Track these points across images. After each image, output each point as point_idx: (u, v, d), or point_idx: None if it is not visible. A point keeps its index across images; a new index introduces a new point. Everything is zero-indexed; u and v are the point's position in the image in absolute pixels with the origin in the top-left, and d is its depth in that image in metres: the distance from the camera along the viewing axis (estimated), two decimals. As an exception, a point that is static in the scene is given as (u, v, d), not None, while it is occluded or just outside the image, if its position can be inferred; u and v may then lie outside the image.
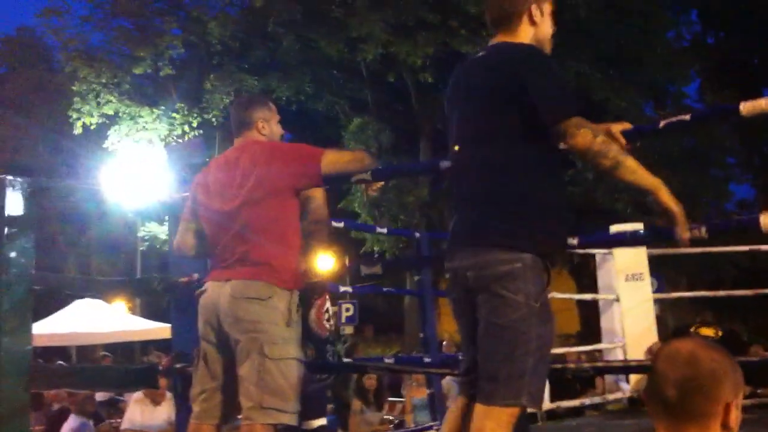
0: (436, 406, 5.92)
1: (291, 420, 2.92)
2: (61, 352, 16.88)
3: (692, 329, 6.30)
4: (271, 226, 3.03)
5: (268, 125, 3.27)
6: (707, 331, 6.20)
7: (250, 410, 2.89)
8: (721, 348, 1.74)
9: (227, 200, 3.11)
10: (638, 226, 7.45)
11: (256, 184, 3.04)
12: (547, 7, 2.68)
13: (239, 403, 3.01)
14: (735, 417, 1.69)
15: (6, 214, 3.62)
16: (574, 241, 2.90)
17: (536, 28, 2.65)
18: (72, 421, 6.34)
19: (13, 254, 3.62)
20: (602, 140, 2.38)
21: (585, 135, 2.36)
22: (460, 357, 2.77)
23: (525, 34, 2.64)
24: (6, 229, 3.63)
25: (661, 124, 2.66)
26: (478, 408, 2.46)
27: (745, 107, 2.46)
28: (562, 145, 2.46)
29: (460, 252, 2.56)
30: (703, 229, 2.50)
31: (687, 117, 2.64)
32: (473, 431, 2.45)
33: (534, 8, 2.64)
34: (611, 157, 2.36)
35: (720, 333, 6.12)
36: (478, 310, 2.51)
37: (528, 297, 2.45)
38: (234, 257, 3.04)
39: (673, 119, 2.63)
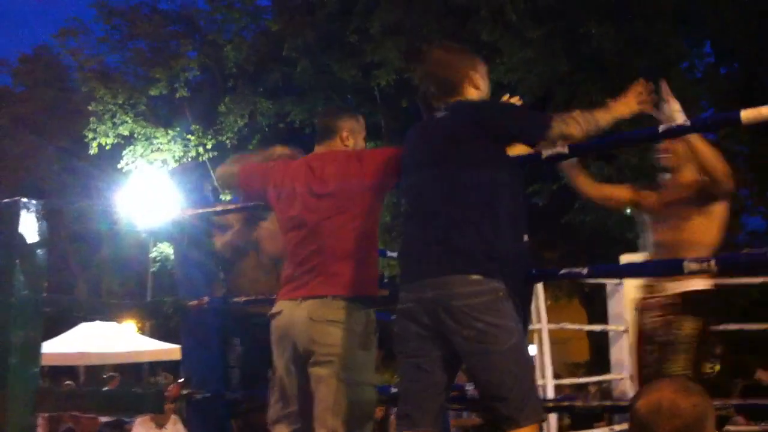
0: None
1: None
2: (69, 371, 16.88)
3: None
4: (350, 237, 2.94)
5: (353, 137, 3.19)
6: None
7: None
8: (695, 389, 1.80)
9: (305, 208, 3.03)
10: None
11: (339, 193, 2.97)
12: (482, 68, 2.94)
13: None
14: None
15: (19, 237, 3.65)
16: (583, 271, 2.89)
17: (479, 91, 2.88)
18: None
19: (24, 276, 3.64)
20: (574, 123, 2.69)
21: (571, 126, 2.68)
22: (395, 389, 2.77)
23: (471, 97, 2.86)
24: (19, 252, 3.66)
25: (660, 128, 2.66)
26: None
27: (746, 115, 2.46)
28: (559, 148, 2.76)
29: (430, 282, 2.60)
30: (713, 263, 2.49)
31: (687, 123, 2.66)
32: None
33: (473, 73, 2.88)
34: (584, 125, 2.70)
35: (717, 367, 6.03)
36: (455, 341, 2.56)
37: (515, 321, 2.58)
38: (308, 269, 2.95)
39: (673, 125, 2.64)
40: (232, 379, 3.95)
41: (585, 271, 2.87)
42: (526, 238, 2.83)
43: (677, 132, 2.69)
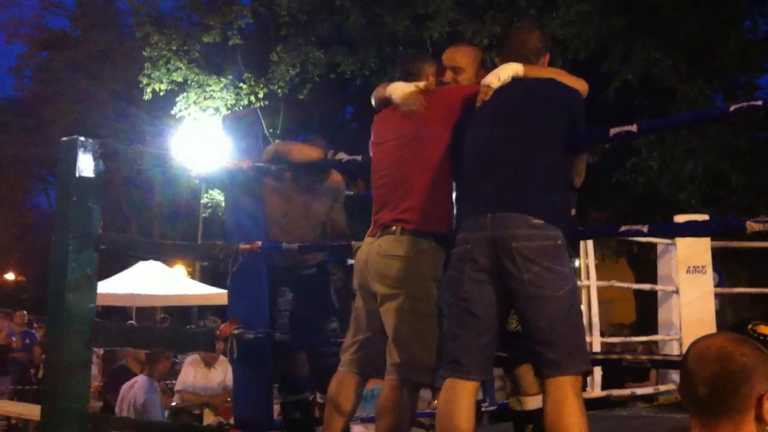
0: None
1: (432, 379, 2.89)
2: (121, 312, 17.28)
3: (750, 326, 6.15)
4: (421, 170, 2.99)
5: (435, 80, 3.23)
6: (766, 329, 6.05)
7: (392, 366, 2.91)
8: (751, 341, 1.75)
9: (381, 151, 3.16)
10: (703, 218, 7.32)
11: (415, 131, 3.04)
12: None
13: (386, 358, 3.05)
14: None
15: (77, 174, 3.71)
16: (644, 229, 2.85)
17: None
18: (144, 381, 6.54)
19: (81, 213, 3.72)
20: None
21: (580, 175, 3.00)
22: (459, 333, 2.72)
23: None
24: (76, 189, 3.73)
25: (732, 108, 2.61)
26: (552, 382, 2.53)
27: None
28: None
29: (491, 219, 2.62)
30: (770, 222, 2.44)
31: (759, 103, 2.58)
32: (558, 403, 2.51)
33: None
34: None
35: None
36: (511, 283, 2.58)
37: (570, 270, 2.65)
38: (383, 205, 3.07)
39: (744, 104, 2.57)
40: (279, 320, 4.03)
41: (645, 228, 2.83)
42: (573, 212, 2.93)
43: (750, 110, 2.60)
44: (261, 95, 17.67)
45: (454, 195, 3.05)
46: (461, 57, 3.22)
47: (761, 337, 5.91)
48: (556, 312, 2.55)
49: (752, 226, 2.45)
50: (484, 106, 2.88)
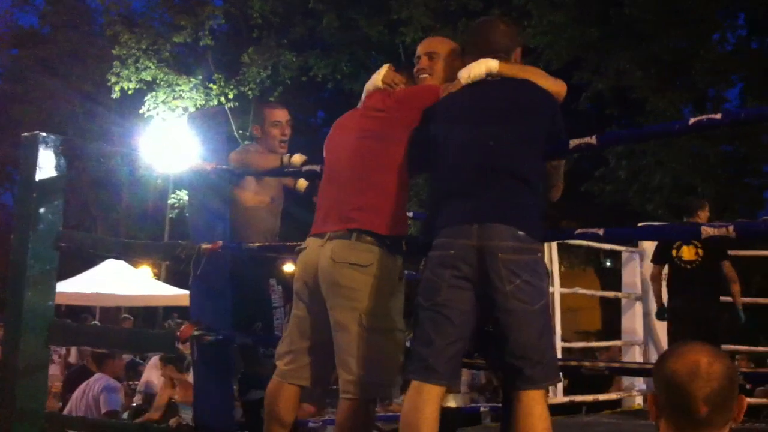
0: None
1: (392, 394, 2.84)
2: (85, 312, 17.09)
3: (674, 251, 6.29)
4: (385, 173, 2.88)
5: (407, 81, 3.16)
6: (688, 253, 6.22)
7: (349, 384, 2.76)
8: (723, 352, 1.83)
9: (339, 146, 3.06)
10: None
11: (367, 132, 2.95)
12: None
13: (328, 368, 2.93)
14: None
15: (37, 171, 3.66)
16: (599, 232, 2.85)
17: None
18: (104, 380, 6.44)
19: (42, 210, 3.67)
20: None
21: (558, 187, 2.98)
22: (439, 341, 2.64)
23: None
24: (37, 186, 3.67)
25: (691, 122, 2.62)
26: (525, 394, 2.54)
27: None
28: None
29: (478, 228, 2.59)
30: (731, 228, 2.46)
31: (718, 116, 2.59)
32: (528, 415, 2.52)
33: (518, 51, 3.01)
34: None
35: (701, 252, 6.14)
36: (492, 294, 2.56)
37: (547, 285, 2.68)
38: (336, 205, 2.91)
39: (703, 118, 2.58)
40: (278, 318, 3.96)
41: (601, 232, 2.83)
42: None
43: (709, 124, 2.61)
44: (231, 96, 17.62)
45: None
46: (438, 44, 3.18)
47: (688, 265, 6.18)
48: (531, 326, 2.54)
49: (707, 231, 2.47)
50: (457, 106, 2.82)
